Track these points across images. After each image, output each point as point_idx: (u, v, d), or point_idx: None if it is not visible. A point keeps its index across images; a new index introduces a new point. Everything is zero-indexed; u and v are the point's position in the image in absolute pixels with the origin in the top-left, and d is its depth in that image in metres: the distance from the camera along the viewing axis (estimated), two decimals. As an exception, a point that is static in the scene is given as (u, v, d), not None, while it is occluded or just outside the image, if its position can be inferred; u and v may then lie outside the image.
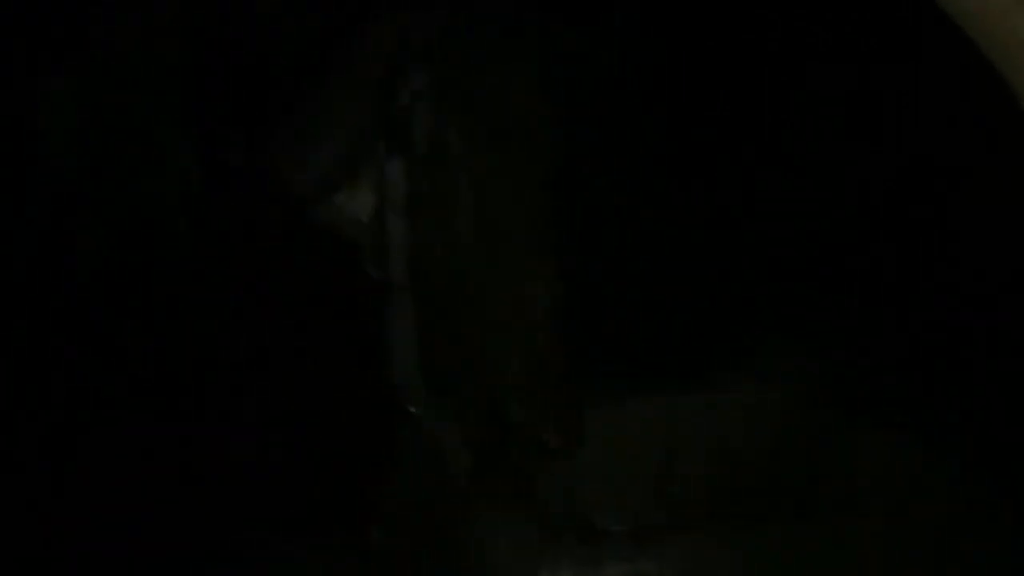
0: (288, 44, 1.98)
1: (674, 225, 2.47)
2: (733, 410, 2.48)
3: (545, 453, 1.91)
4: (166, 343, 2.01)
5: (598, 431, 2.23)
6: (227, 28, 1.98)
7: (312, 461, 2.19)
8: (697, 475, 2.39)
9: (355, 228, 2.02)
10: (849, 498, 2.31)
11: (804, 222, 2.52)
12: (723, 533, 1.92)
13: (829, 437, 2.39)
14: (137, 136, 1.96)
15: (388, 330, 1.93)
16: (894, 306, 2.45)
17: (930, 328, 2.37)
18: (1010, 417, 2.23)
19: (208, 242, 2.05)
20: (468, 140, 1.95)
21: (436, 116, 1.96)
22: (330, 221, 2.06)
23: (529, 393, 1.95)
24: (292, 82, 1.97)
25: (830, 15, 2.03)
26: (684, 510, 2.46)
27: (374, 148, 1.94)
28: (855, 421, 2.32)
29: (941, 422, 2.26)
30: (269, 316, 2.06)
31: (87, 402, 1.89)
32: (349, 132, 2.00)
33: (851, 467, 2.33)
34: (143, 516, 2.02)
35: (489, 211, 1.97)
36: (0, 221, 1.86)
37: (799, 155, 2.30)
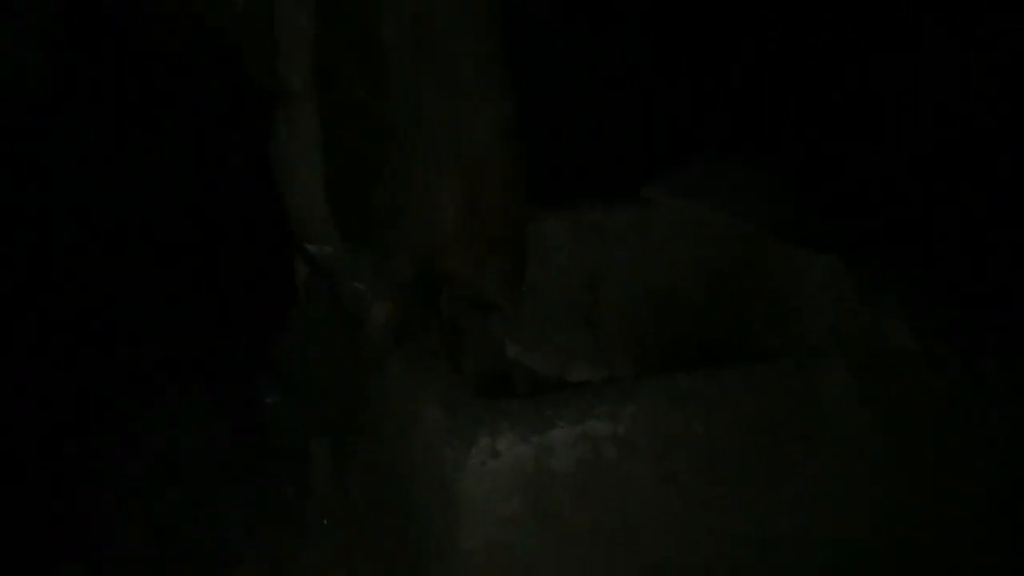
0: None
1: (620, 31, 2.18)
2: (664, 228, 2.24)
3: (481, 307, 1.58)
4: (38, 178, 1.67)
5: (532, 267, 1.95)
6: None
7: (197, 304, 1.84)
8: (628, 299, 2.16)
9: (229, 16, 1.56)
10: (794, 329, 2.14)
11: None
12: (673, 388, 1.68)
13: (771, 263, 2.20)
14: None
15: (282, 151, 1.53)
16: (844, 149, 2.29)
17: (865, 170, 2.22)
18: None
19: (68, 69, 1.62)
20: None
21: None
22: (198, 12, 1.59)
23: (469, 239, 1.59)
24: None
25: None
26: (616, 352, 2.24)
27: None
28: (795, 247, 2.14)
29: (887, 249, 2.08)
30: (137, 135, 1.66)
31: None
32: None
33: (789, 295, 2.15)
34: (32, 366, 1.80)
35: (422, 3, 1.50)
36: None
37: None
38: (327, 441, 1.80)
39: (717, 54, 2.22)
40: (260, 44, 1.44)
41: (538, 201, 1.81)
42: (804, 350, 1.93)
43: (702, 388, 1.65)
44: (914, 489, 1.78)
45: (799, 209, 2.18)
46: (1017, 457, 1.83)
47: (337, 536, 1.83)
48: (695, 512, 1.65)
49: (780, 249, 2.11)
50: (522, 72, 1.56)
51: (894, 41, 2.07)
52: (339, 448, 1.82)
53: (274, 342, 1.67)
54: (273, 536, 1.80)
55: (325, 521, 1.83)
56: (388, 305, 1.51)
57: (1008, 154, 1.96)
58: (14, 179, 1.70)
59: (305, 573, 1.74)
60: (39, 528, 1.86)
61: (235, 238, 1.68)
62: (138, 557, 1.79)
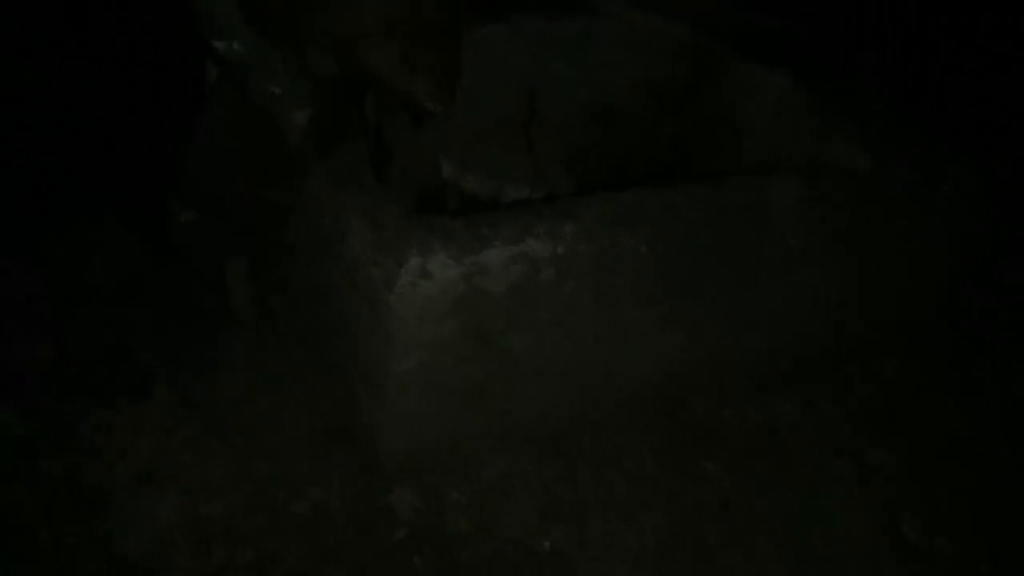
0: None
1: None
2: (611, 41, 2.09)
3: (411, 113, 1.43)
4: None
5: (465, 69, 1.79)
6: None
7: (102, 110, 1.66)
8: (565, 114, 2.03)
9: None
10: (735, 148, 2.03)
11: None
12: (617, 206, 1.58)
13: (716, 78, 2.08)
14: None
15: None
16: None
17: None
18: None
19: None
20: None
21: None
22: None
23: (398, 24, 1.39)
24: None
25: None
26: (553, 170, 2.13)
27: None
28: (749, 62, 2.01)
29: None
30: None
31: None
32: None
33: (741, 114, 2.03)
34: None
35: None
36: None
37: None
38: (244, 259, 1.68)
39: None
40: None
41: (473, 7, 1.66)
42: (753, 168, 1.84)
43: (648, 204, 1.56)
44: (854, 306, 1.75)
45: (756, 17, 2.05)
46: (962, 278, 1.80)
47: (259, 358, 1.74)
48: (633, 332, 1.59)
49: (733, 65, 1.99)
50: None
51: None
52: (258, 266, 1.70)
53: (183, 153, 1.51)
54: (190, 357, 1.70)
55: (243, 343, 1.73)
56: (308, 109, 1.36)
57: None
58: None
59: (225, 395, 1.66)
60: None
61: (136, 37, 1.50)
62: (54, 378, 1.68)
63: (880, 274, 1.74)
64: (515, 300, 1.52)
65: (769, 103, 1.94)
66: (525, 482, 1.61)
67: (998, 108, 2.24)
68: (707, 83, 2.02)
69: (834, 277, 1.70)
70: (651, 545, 1.56)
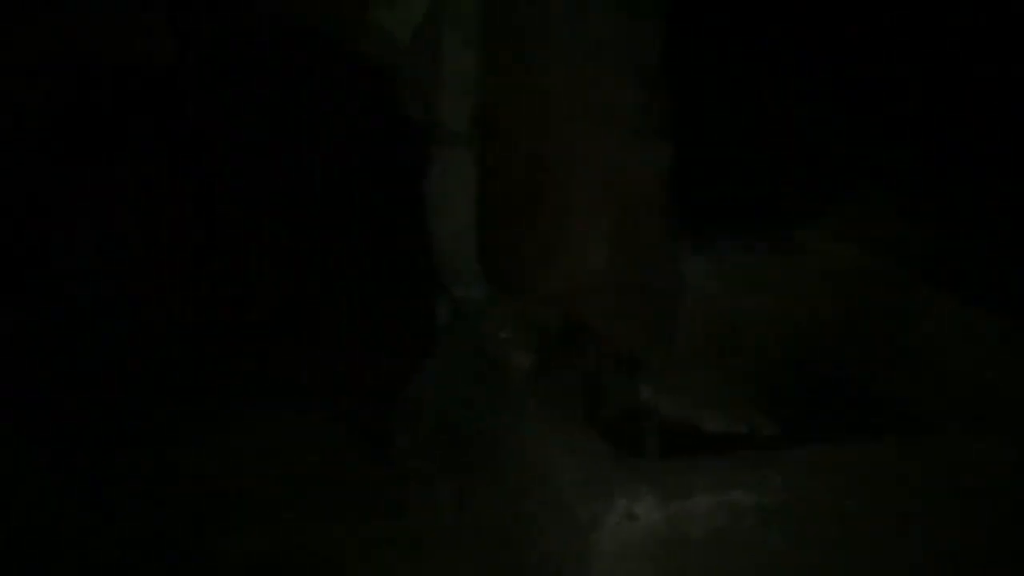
0: None
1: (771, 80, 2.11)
2: (807, 274, 2.14)
3: (623, 361, 1.52)
4: (192, 198, 1.70)
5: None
6: None
7: (335, 333, 1.84)
8: (760, 349, 2.07)
9: (394, 54, 1.54)
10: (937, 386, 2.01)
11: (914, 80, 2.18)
12: (823, 460, 1.60)
13: (904, 308, 2.09)
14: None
15: (436, 191, 1.51)
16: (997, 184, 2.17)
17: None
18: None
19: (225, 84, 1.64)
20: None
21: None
22: (361, 43, 1.58)
23: (619, 284, 1.51)
24: None
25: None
26: (750, 389, 2.15)
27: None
28: (936, 293, 2.01)
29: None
30: (288, 157, 1.67)
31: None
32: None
33: (936, 347, 2.02)
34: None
35: (586, 48, 1.45)
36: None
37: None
38: (455, 482, 1.77)
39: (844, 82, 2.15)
40: (423, 82, 1.42)
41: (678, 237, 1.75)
42: (963, 417, 1.82)
43: (856, 458, 1.56)
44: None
45: (949, 253, 2.07)
46: None
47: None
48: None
49: (941, 304, 2.00)
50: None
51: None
52: (466, 491, 1.79)
53: (410, 380, 1.65)
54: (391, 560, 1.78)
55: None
56: (530, 354, 1.47)
57: None
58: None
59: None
60: (157, 529, 1.86)
61: (376, 272, 1.67)
62: (257, 554, 1.78)
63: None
64: (715, 545, 1.53)
65: (980, 349, 1.93)
66: None
67: None
68: (913, 320, 2.03)
69: None
70: None
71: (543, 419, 1.55)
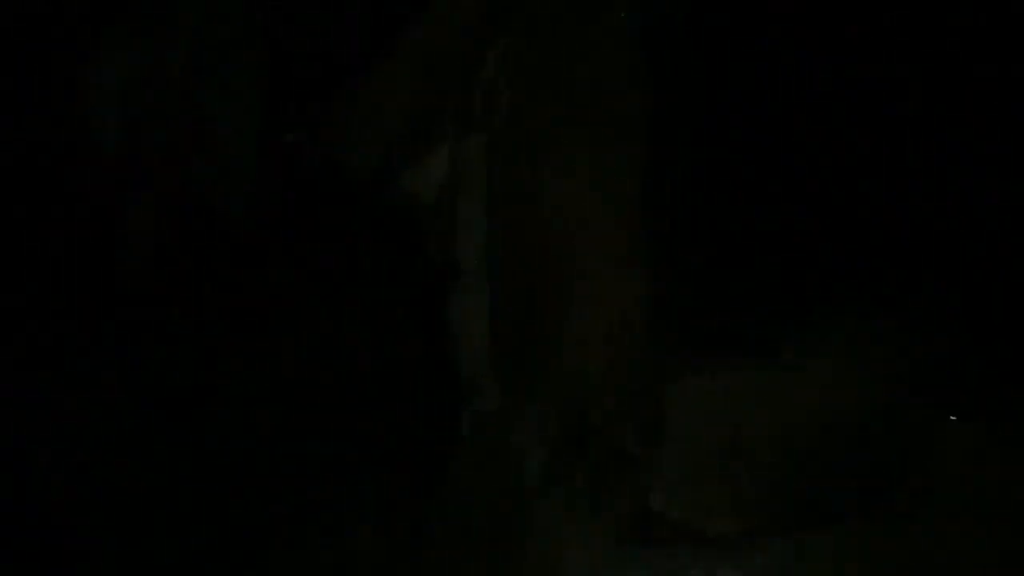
0: (350, 18, 1.85)
1: (760, 198, 2.34)
2: (805, 387, 2.34)
3: (624, 457, 1.78)
4: (229, 325, 1.94)
5: (672, 420, 2.12)
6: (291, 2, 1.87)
7: (370, 448, 2.10)
8: (764, 457, 2.27)
9: (420, 211, 1.89)
10: (927, 492, 2.18)
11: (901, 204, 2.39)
12: (801, 539, 1.80)
13: (907, 425, 2.26)
14: (198, 115, 1.86)
15: (455, 318, 1.82)
16: (995, 296, 2.33)
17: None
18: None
19: (266, 225, 1.96)
20: (554, 117, 1.81)
21: (519, 90, 1.82)
22: (393, 203, 1.93)
23: (613, 394, 1.83)
24: (355, 56, 1.85)
25: None
26: (752, 506, 2.34)
27: (445, 124, 1.81)
28: (939, 411, 2.19)
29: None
30: (327, 301, 1.96)
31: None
32: (417, 106, 1.87)
33: (931, 459, 2.19)
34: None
35: (576, 198, 1.81)
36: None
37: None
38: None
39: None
40: (441, 231, 1.75)
41: (674, 355, 1.99)
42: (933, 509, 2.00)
43: (826, 543, 1.77)
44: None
45: (943, 369, 2.24)
46: None
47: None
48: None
49: (921, 412, 2.19)
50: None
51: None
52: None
53: (440, 485, 1.89)
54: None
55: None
56: (541, 454, 1.73)
57: None
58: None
59: None
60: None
61: (403, 392, 1.94)
62: None
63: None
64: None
65: (960, 449, 2.12)
66: None
67: None
68: (898, 429, 2.23)
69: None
70: None
71: (553, 513, 1.80)
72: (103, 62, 1.74)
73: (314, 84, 1.81)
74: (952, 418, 2.12)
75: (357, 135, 1.83)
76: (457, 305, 1.78)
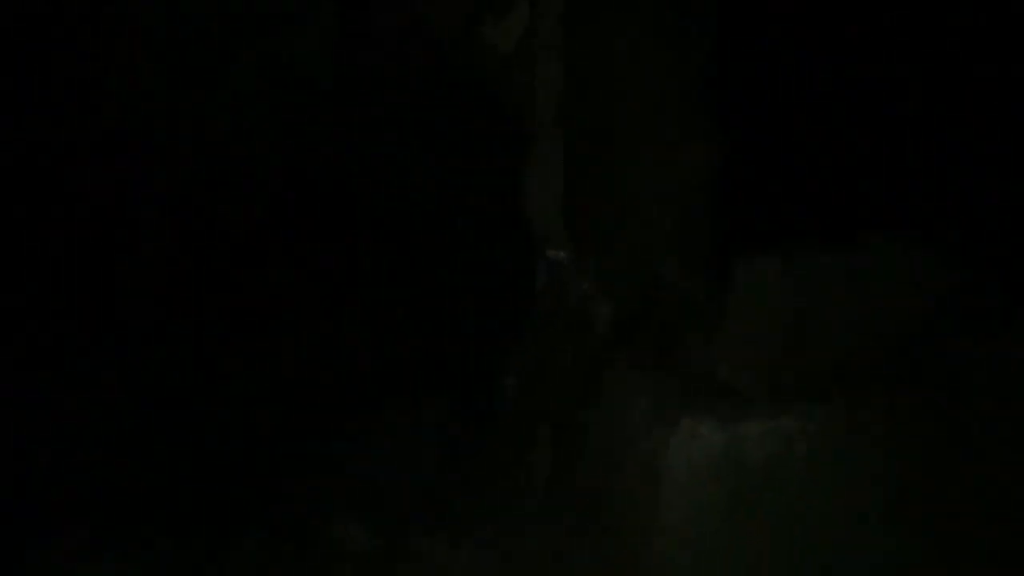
0: None
1: (832, 81, 2.34)
2: (874, 276, 2.38)
3: (691, 310, 1.85)
4: (310, 189, 2.00)
5: (738, 290, 2.18)
6: None
7: (443, 306, 2.18)
8: (828, 340, 2.32)
9: (499, 66, 1.94)
10: (988, 381, 2.21)
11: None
12: (858, 399, 1.87)
13: (973, 315, 2.28)
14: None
15: (530, 175, 1.87)
16: None
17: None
18: None
19: (350, 93, 2.00)
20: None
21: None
22: (473, 60, 1.98)
23: (681, 249, 1.88)
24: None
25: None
26: (814, 374, 2.40)
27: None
28: (1006, 304, 2.20)
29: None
30: (408, 158, 2.02)
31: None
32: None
33: (994, 349, 2.22)
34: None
35: (651, 56, 1.86)
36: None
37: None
38: (551, 430, 2.09)
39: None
40: (520, 87, 1.81)
41: (753, 237, 2.03)
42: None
43: (890, 396, 1.83)
44: None
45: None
46: None
47: (555, 518, 2.10)
48: (877, 507, 1.81)
49: (989, 302, 2.20)
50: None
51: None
52: (562, 436, 2.11)
53: (515, 341, 1.96)
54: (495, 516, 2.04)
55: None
56: (612, 305, 1.80)
57: None
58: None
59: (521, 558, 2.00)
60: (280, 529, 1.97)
61: (482, 250, 2.00)
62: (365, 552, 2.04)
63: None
64: (769, 471, 1.81)
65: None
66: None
67: None
68: (975, 319, 2.24)
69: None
70: None
71: (624, 363, 1.88)
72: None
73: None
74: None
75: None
76: (533, 161, 1.84)
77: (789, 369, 2.27)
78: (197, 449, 1.87)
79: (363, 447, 1.97)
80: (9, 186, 1.85)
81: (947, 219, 2.14)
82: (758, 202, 1.96)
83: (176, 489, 1.86)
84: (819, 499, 1.82)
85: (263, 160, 1.88)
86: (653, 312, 1.87)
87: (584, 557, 2.00)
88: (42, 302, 1.86)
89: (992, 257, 2.15)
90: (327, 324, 1.95)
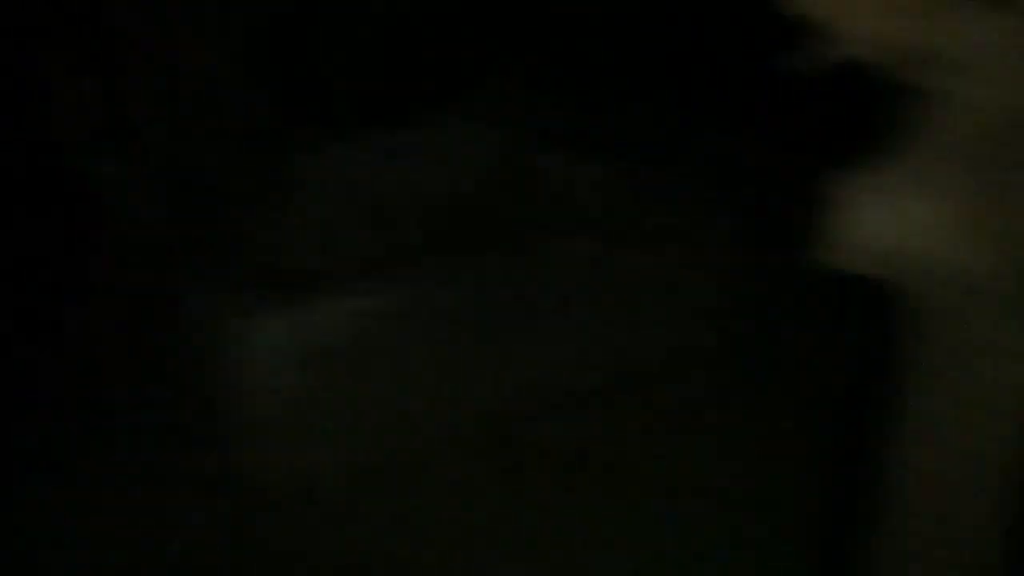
0: None
1: None
2: (441, 149, 2.48)
3: (253, 217, 1.81)
4: None
5: (311, 177, 2.20)
6: None
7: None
8: (409, 213, 2.41)
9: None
10: (556, 225, 2.39)
11: None
12: (441, 264, 1.95)
13: (535, 171, 2.45)
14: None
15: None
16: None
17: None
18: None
19: None
20: None
21: None
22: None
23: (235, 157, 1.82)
24: None
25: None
26: (400, 247, 2.47)
27: None
28: (561, 157, 2.39)
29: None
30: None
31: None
32: None
33: (554, 197, 2.40)
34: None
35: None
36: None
37: None
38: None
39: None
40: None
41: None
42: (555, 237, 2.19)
43: (463, 269, 1.93)
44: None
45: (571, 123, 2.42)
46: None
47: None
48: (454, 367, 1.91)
49: (554, 158, 2.38)
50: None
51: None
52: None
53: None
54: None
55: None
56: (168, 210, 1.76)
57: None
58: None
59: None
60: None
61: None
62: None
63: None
64: (358, 341, 1.84)
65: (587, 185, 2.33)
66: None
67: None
68: (529, 175, 2.40)
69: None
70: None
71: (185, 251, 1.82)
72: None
73: None
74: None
75: None
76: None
77: (379, 242, 2.34)
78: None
79: None
80: None
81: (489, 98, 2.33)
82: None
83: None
84: (401, 365, 1.89)
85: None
86: (215, 210, 1.83)
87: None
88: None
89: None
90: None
